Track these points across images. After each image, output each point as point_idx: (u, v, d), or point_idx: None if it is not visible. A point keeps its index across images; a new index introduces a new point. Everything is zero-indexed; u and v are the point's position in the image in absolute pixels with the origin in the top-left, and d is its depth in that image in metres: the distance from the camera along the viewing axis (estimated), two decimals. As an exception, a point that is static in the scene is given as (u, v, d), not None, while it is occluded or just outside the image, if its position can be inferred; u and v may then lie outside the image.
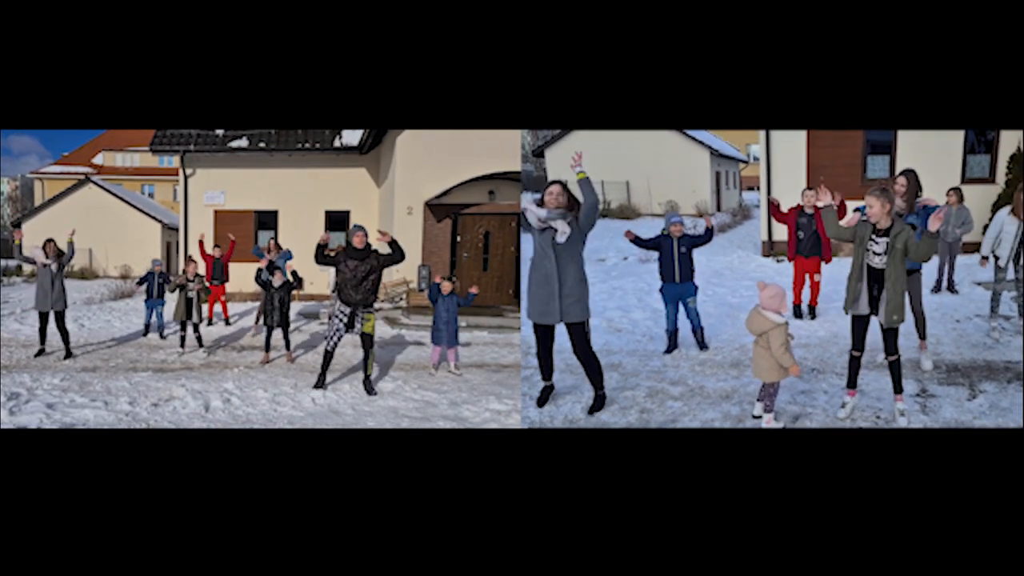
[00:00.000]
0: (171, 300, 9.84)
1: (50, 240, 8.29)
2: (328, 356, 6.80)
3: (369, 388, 6.71)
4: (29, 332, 9.59)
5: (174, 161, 14.44)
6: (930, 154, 11.63)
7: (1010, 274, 7.01)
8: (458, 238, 12.85)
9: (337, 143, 14.12)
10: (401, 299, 12.54)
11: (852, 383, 4.77)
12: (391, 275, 12.69)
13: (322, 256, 6.58)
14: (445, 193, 12.20)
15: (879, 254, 4.55)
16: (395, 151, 12.63)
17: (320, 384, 6.74)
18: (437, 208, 12.59)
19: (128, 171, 35.66)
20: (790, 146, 12.59)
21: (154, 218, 25.00)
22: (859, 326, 4.69)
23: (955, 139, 11.97)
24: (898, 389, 4.67)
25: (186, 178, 14.65)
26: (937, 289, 8.85)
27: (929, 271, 8.72)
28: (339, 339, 6.75)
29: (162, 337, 9.54)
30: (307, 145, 14.20)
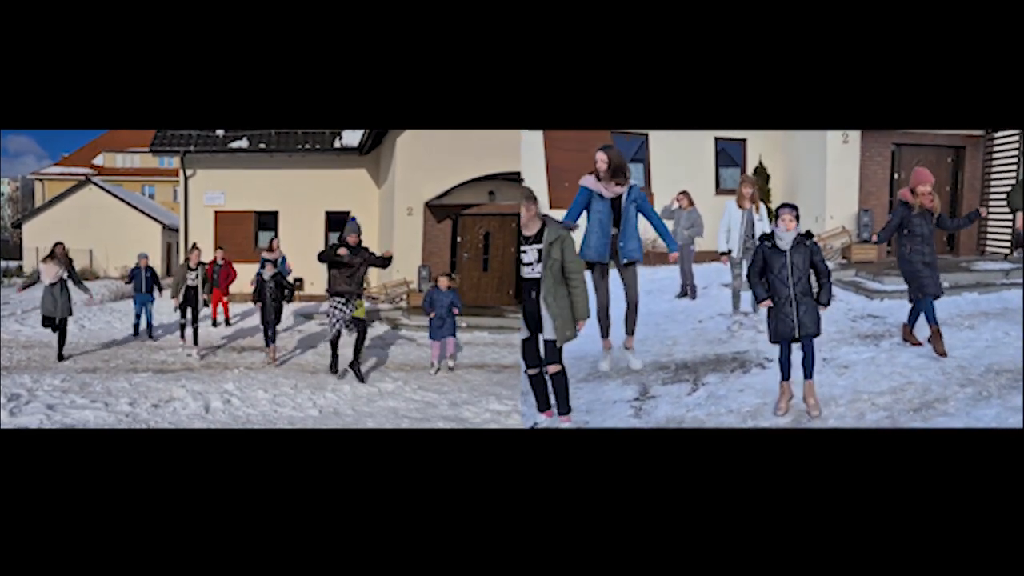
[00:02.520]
0: (165, 295, 9.84)
1: (59, 243, 8.23)
2: (335, 345, 7.29)
3: (358, 372, 7.13)
4: (29, 333, 9.59)
5: (174, 162, 14.44)
6: (684, 166, 11.73)
7: (745, 269, 7.02)
8: (458, 239, 12.86)
9: (337, 144, 14.12)
10: (401, 299, 12.54)
11: (543, 405, 4.40)
12: (391, 275, 12.71)
13: (332, 256, 7.00)
14: (445, 194, 12.21)
15: (529, 263, 4.19)
16: (395, 152, 12.63)
17: (334, 370, 7.27)
18: (437, 209, 12.60)
19: (128, 172, 35.65)
20: (527, 149, 11.10)
21: (154, 219, 25.01)
22: (528, 345, 4.28)
23: (707, 152, 12.05)
24: (563, 410, 4.22)
25: (186, 179, 14.65)
26: (683, 295, 8.62)
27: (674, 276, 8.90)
28: (340, 326, 7.19)
29: (151, 337, 9.49)
30: (307, 146, 14.20)
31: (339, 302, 7.15)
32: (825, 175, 10.99)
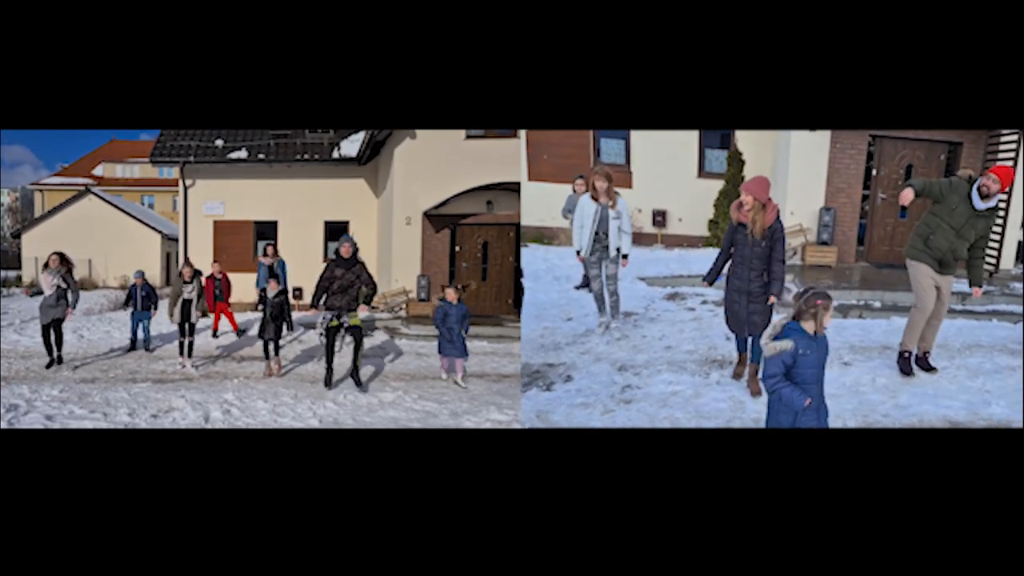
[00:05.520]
0: (162, 307, 9.81)
1: (55, 253, 8.22)
2: (329, 359, 7.23)
3: (357, 380, 7.19)
4: (28, 343, 9.58)
5: (174, 172, 14.48)
6: (665, 145, 10.92)
7: (606, 269, 6.55)
8: (457, 248, 12.88)
9: (336, 154, 14.17)
10: (401, 309, 12.55)
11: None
12: (391, 285, 12.72)
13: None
14: (443, 203, 12.24)
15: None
16: (393, 162, 12.67)
17: (328, 381, 7.19)
18: (435, 218, 12.62)
19: (128, 182, 35.71)
20: None
21: (154, 229, 25.02)
22: None
23: (691, 132, 11.01)
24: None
25: (186, 189, 14.68)
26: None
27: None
28: (332, 337, 7.18)
29: (148, 350, 9.46)
30: (306, 156, 14.24)
31: (332, 315, 7.14)
32: (788, 166, 9.91)
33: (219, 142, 14.67)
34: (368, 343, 9.88)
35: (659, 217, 11.13)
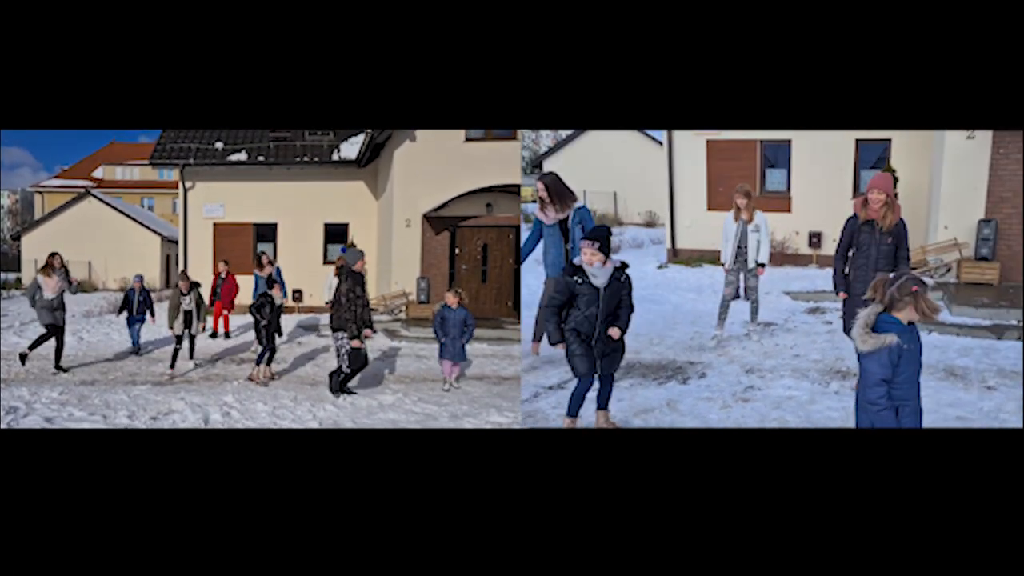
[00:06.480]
0: (160, 312, 9.79)
1: (55, 254, 8.24)
2: (351, 376, 7.14)
3: (347, 391, 7.12)
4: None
5: (174, 174, 14.49)
6: (823, 167, 11.61)
7: (744, 281, 7.06)
8: (456, 250, 12.88)
9: (335, 156, 14.18)
10: (400, 311, 12.54)
11: None
12: (390, 287, 12.71)
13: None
14: (443, 205, 12.24)
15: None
16: (393, 164, 12.67)
17: (343, 389, 7.14)
18: (435, 220, 12.62)
19: (128, 184, 35.74)
20: (691, 158, 12.66)
21: (153, 231, 25.07)
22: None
23: (847, 154, 11.49)
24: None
25: (185, 191, 14.69)
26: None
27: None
28: (347, 358, 7.00)
29: (137, 354, 9.31)
30: (305, 158, 14.25)
31: (344, 337, 6.90)
32: (941, 177, 9.31)
33: (219, 144, 14.68)
34: (367, 344, 9.84)
35: (815, 239, 11.86)
